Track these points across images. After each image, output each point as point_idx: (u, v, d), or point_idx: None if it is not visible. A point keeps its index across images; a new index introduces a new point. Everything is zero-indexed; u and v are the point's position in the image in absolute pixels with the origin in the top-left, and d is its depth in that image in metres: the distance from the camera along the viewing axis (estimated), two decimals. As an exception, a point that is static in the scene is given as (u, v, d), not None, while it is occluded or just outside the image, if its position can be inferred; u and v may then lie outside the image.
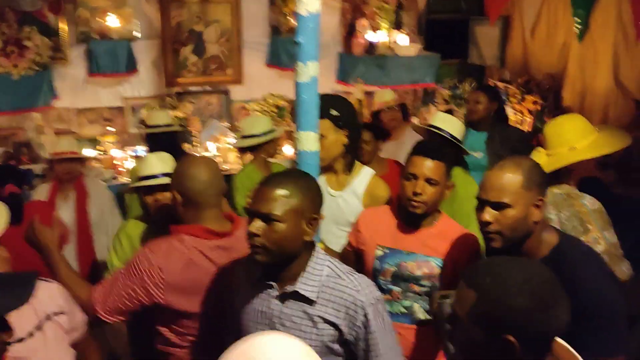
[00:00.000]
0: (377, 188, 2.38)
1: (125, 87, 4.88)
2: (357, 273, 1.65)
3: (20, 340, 1.64)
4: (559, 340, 1.33)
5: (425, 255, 2.09)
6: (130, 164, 4.47)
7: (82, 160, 3.70)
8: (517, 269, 1.25)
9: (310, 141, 1.96)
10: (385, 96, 4.17)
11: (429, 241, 2.10)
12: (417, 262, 2.09)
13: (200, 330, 1.91)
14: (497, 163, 1.77)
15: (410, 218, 2.11)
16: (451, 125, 2.83)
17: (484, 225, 1.70)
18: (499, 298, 1.20)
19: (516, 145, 3.47)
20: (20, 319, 1.65)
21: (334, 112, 2.28)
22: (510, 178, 1.66)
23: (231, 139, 4.84)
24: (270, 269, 1.61)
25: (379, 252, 2.15)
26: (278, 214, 1.52)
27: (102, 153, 4.65)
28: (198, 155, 4.39)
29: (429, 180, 2.04)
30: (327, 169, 2.35)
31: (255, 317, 1.66)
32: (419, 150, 2.10)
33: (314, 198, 1.60)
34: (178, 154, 3.88)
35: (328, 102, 2.25)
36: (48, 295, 1.76)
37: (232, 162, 4.73)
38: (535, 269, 1.27)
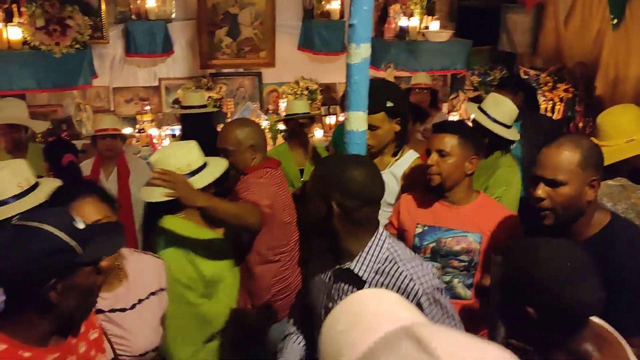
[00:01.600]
0: (417, 171, 2.42)
1: (160, 68, 4.97)
2: (418, 260, 1.61)
3: (123, 310, 1.73)
4: (595, 319, 1.38)
5: (464, 231, 2.16)
6: (166, 142, 4.58)
7: (123, 137, 3.82)
8: (546, 248, 1.32)
9: (360, 121, 2.01)
10: (419, 78, 4.22)
11: (466, 217, 2.17)
12: (455, 238, 2.17)
13: (285, 239, 2.52)
14: (532, 152, 1.79)
15: (435, 191, 2.20)
16: (496, 108, 2.71)
17: (536, 201, 1.71)
18: (522, 273, 1.30)
19: (548, 132, 3.50)
20: (130, 290, 1.75)
21: (389, 104, 2.32)
22: (567, 156, 1.66)
23: (264, 121, 4.92)
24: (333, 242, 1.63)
25: (419, 230, 2.23)
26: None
27: (139, 131, 4.76)
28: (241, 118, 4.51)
29: (439, 152, 2.14)
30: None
31: (318, 284, 1.73)
32: (435, 128, 2.22)
33: None
34: (212, 134, 4.02)
35: (383, 94, 2.31)
36: (158, 271, 1.86)
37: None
38: (564, 249, 1.32)
